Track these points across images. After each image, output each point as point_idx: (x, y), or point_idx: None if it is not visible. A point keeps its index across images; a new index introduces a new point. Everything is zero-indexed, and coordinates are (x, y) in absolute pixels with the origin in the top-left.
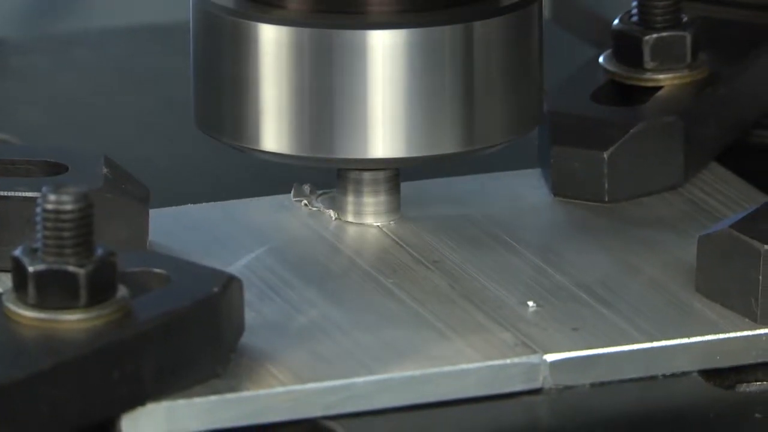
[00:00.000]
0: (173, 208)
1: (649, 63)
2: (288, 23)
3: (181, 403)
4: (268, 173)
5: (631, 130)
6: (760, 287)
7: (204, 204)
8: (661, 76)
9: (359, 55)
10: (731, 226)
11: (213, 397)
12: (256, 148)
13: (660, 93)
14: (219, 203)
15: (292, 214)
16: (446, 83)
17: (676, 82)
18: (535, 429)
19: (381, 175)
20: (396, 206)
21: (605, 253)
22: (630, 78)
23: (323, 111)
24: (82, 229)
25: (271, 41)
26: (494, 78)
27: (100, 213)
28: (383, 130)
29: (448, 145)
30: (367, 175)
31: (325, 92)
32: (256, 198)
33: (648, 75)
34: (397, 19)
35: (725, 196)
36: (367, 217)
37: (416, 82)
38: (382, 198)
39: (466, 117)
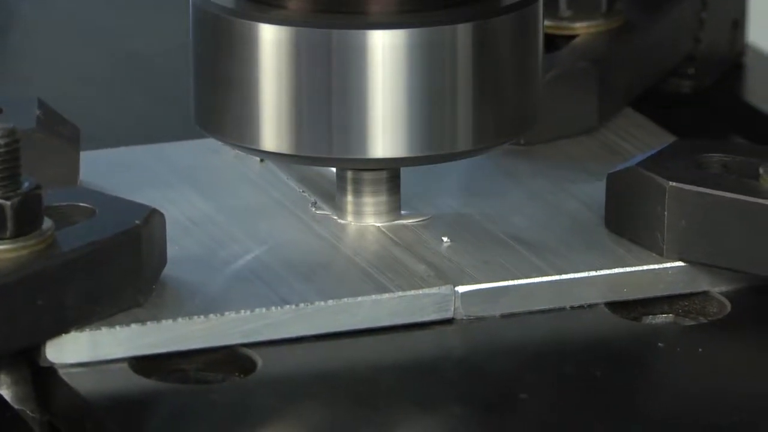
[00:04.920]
0: (105, 150)
1: (565, 12)
2: (288, 23)
3: (103, 330)
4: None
5: (546, 76)
6: (665, 222)
7: (135, 146)
8: (576, 25)
9: (359, 55)
10: (638, 164)
11: (134, 325)
12: (255, 147)
13: (575, 41)
14: (150, 146)
15: (220, 156)
16: (446, 83)
17: (591, 30)
18: (447, 357)
19: (381, 175)
20: (396, 206)
21: (520, 192)
22: (546, 27)
23: (323, 111)
24: (9, 163)
25: (271, 41)
26: (494, 78)
27: (32, 153)
28: (383, 130)
29: (448, 145)
30: (367, 175)
31: (325, 92)
32: (187, 141)
33: (564, 24)
34: (397, 19)
35: (639, 140)
36: (367, 217)
37: (416, 82)
38: (383, 198)
39: (466, 117)
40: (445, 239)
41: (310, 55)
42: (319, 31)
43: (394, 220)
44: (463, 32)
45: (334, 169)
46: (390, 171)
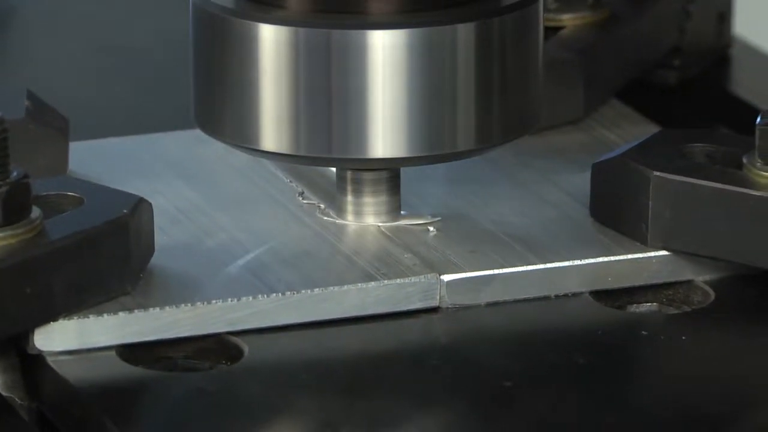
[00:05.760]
0: (94, 140)
1: (551, 3)
2: (288, 23)
3: (91, 318)
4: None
5: None
6: (650, 212)
7: (124, 137)
8: (563, 17)
9: (359, 55)
10: (623, 154)
11: (122, 313)
12: (256, 147)
13: (561, 32)
14: (139, 136)
15: (209, 147)
16: (446, 83)
17: (577, 22)
18: (433, 345)
19: (381, 175)
20: (396, 206)
21: (506, 182)
22: None
23: (323, 111)
24: None
25: (271, 41)
26: (494, 78)
27: (21, 143)
28: (383, 130)
29: (448, 145)
30: (367, 175)
31: (325, 92)
32: (176, 131)
33: (551, 15)
34: (397, 19)
35: (624, 130)
36: (367, 217)
37: (416, 82)
38: (383, 198)
39: (466, 117)
40: (431, 228)
41: (310, 55)
42: (319, 31)
43: (394, 221)
44: (463, 32)
45: None
46: (390, 171)
